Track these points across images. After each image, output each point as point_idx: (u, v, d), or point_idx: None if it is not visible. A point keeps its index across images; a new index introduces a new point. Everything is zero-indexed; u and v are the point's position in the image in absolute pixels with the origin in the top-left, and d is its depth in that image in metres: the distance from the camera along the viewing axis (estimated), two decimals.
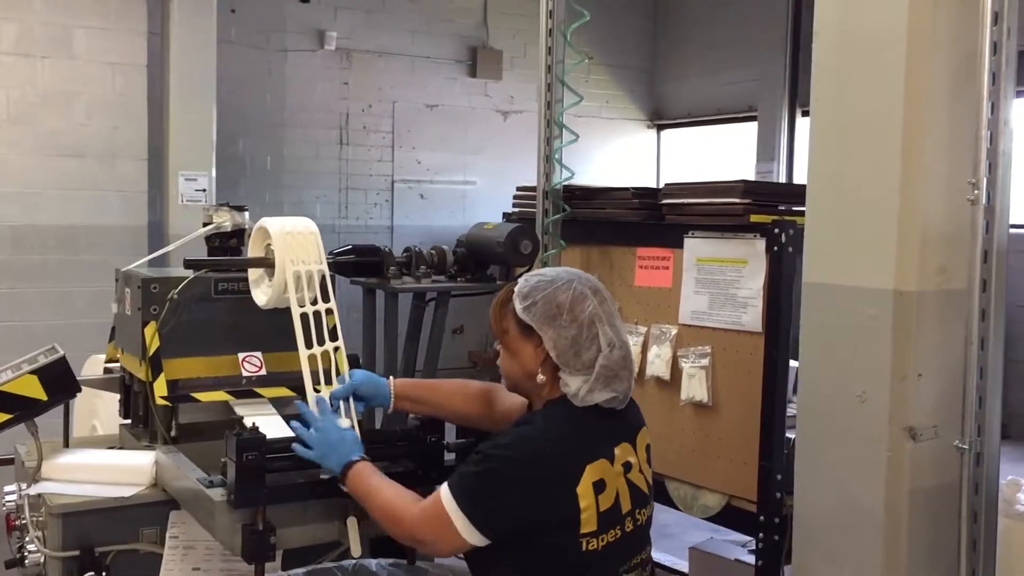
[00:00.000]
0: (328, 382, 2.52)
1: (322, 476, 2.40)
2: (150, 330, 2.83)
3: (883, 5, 2.49)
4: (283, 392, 2.94)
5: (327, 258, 2.64)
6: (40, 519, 2.75)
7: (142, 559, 2.68)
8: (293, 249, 2.57)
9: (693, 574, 3.75)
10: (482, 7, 10.63)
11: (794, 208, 3.09)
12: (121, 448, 3.12)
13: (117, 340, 3.15)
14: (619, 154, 11.36)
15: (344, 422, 2.43)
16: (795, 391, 2.87)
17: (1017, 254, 2.59)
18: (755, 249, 2.95)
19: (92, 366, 3.73)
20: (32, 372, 2.82)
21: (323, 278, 2.57)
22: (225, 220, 3.08)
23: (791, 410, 2.95)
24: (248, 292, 2.93)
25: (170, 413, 2.88)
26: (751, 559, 3.64)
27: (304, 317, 2.52)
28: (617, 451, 2.18)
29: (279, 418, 2.84)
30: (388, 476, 2.37)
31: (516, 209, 3.96)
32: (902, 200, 2.46)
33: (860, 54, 2.57)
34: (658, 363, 3.18)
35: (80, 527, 2.64)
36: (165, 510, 2.72)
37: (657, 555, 2.58)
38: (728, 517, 3.06)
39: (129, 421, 3.16)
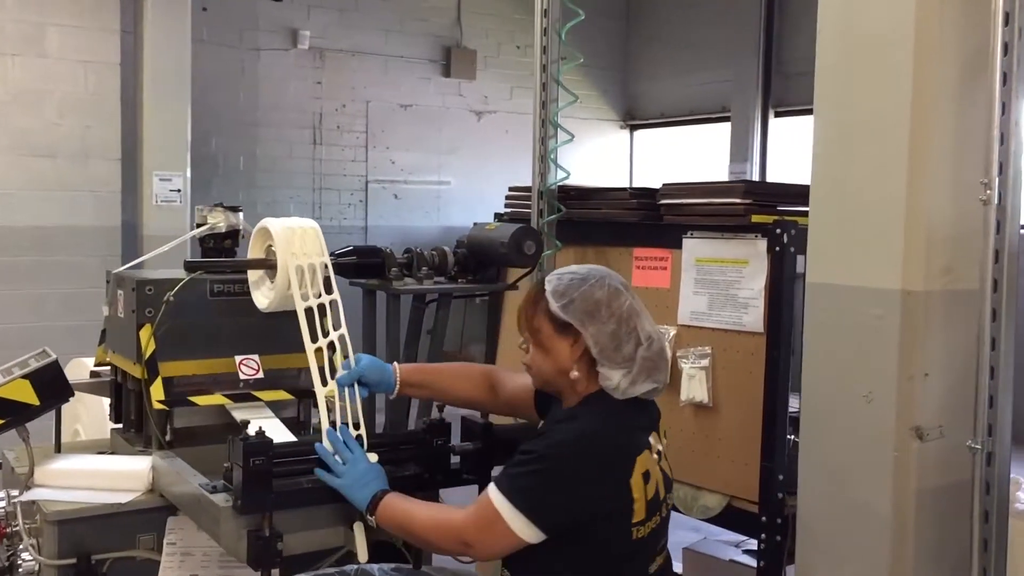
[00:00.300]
0: (332, 374, 2.48)
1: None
2: (145, 333, 2.78)
3: (889, 4, 2.49)
4: (281, 395, 2.91)
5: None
6: (35, 526, 2.69)
7: (139, 566, 2.64)
8: (295, 243, 2.54)
9: (687, 575, 3.74)
10: (455, 7, 10.61)
11: (793, 208, 3.09)
12: (112, 453, 3.06)
13: (108, 343, 3.09)
14: (592, 154, 11.36)
15: (373, 457, 2.39)
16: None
17: None
18: (756, 249, 2.94)
19: (76, 370, 3.67)
20: (24, 376, 2.76)
21: (326, 269, 2.54)
22: (219, 221, 3.03)
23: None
24: (245, 294, 2.89)
25: (164, 417, 2.82)
26: (746, 559, 3.65)
27: (309, 312, 2.48)
28: (651, 440, 2.23)
29: (278, 421, 2.81)
30: (395, 480, 2.38)
31: (508, 209, 3.93)
32: (908, 200, 2.46)
33: (865, 53, 2.57)
34: None
35: (76, 534, 2.59)
36: (162, 516, 2.67)
37: None
38: (728, 518, 3.05)
39: (120, 425, 3.10)
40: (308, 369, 2.99)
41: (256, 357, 2.91)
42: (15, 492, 2.82)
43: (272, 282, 2.65)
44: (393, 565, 2.60)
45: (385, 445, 2.53)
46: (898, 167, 2.47)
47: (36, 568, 2.63)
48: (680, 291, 3.14)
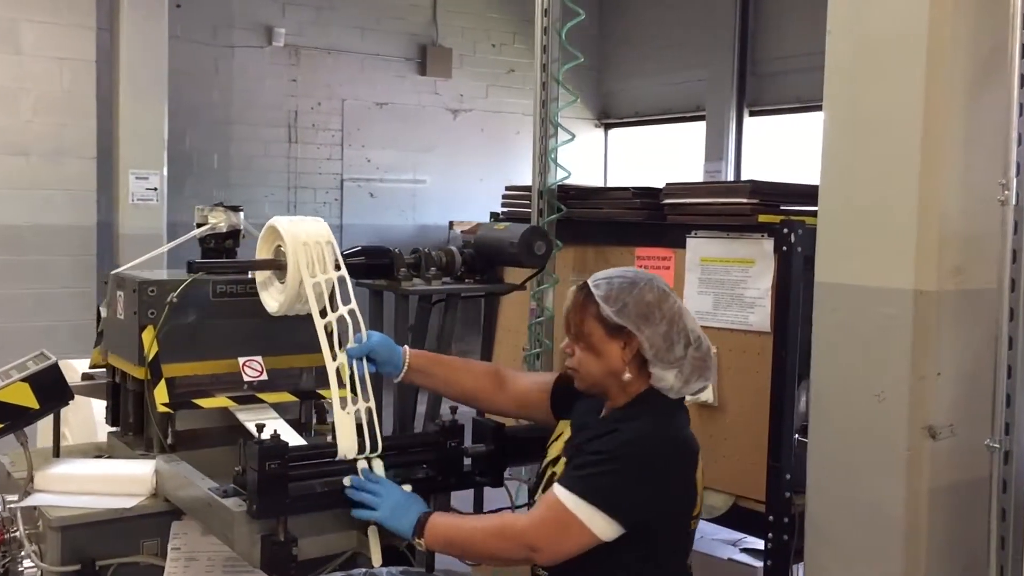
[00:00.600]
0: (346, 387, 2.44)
1: (345, 483, 2.34)
2: (148, 335, 2.73)
3: (902, 5, 2.50)
4: (286, 397, 2.88)
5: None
6: (37, 532, 2.64)
7: (143, 572, 2.60)
8: (309, 262, 2.49)
9: None
10: (431, 5, 10.57)
11: (796, 208, 3.10)
12: (110, 456, 3.01)
13: (106, 345, 3.04)
14: (566, 153, 11.35)
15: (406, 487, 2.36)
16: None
17: None
18: (763, 249, 2.94)
19: (65, 372, 3.60)
20: (23, 380, 2.71)
21: (343, 284, 2.50)
22: (220, 221, 2.98)
23: None
24: (247, 295, 2.85)
25: (166, 420, 2.78)
26: (744, 558, 3.66)
27: (328, 326, 2.44)
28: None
29: (284, 423, 2.77)
30: (408, 483, 2.37)
31: (506, 209, 3.91)
32: (921, 199, 2.47)
33: (877, 54, 2.57)
34: None
35: (80, 540, 2.55)
36: (166, 521, 2.63)
37: None
38: (735, 517, 3.05)
39: (118, 428, 3.05)
40: (310, 370, 3.01)
41: (259, 358, 2.87)
42: (12, 497, 2.77)
43: (281, 283, 2.61)
44: (401, 568, 2.58)
45: (398, 447, 2.50)
46: (910, 166, 2.48)
47: (38, 575, 2.58)
48: (684, 291, 3.14)
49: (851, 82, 2.64)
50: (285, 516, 2.25)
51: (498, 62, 11.05)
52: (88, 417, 3.65)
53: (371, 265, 2.85)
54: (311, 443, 2.48)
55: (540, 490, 2.41)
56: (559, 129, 3.58)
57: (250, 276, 2.84)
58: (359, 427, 2.38)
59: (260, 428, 2.28)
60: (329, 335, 2.45)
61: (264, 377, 2.85)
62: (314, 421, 3.04)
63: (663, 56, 10.87)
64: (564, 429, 2.45)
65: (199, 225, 3.01)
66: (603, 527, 2.12)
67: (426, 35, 10.57)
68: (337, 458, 2.34)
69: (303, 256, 2.50)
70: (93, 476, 2.72)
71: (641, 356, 2.23)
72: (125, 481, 2.69)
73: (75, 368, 3.45)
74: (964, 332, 2.53)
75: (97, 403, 3.35)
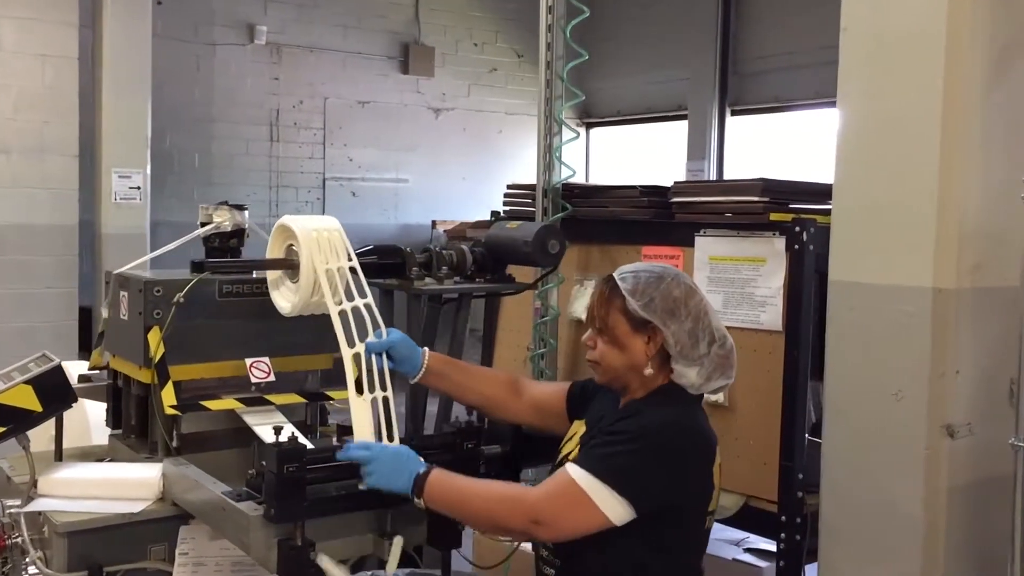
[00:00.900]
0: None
1: (361, 487, 2.30)
2: (154, 336, 2.68)
3: (919, 1, 2.49)
4: (293, 399, 2.83)
5: None
6: (42, 538, 2.58)
7: None
8: (322, 249, 2.46)
9: None
10: (413, 4, 10.53)
11: (805, 206, 3.09)
12: (112, 460, 2.96)
13: (108, 346, 2.98)
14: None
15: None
16: None
17: None
18: (774, 248, 2.93)
19: None
20: (26, 382, 2.65)
21: (355, 274, 2.47)
22: (225, 219, 2.93)
23: None
24: (254, 294, 2.81)
25: (171, 422, 2.73)
26: (749, 558, 3.63)
27: (343, 315, 2.41)
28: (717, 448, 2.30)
29: (292, 426, 2.72)
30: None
31: (508, 208, 3.88)
32: (940, 197, 2.46)
33: (893, 50, 2.56)
34: None
35: (87, 546, 2.49)
36: (174, 525, 2.58)
37: None
38: (746, 518, 3.03)
39: (119, 431, 3.00)
40: (316, 372, 2.98)
41: (267, 360, 2.83)
42: (13, 502, 2.71)
43: (293, 282, 2.56)
44: (408, 571, 2.55)
45: (414, 449, 2.46)
46: (929, 163, 2.47)
47: None
48: None
49: (867, 78, 2.62)
50: (303, 520, 2.21)
51: (480, 61, 11.02)
52: (81, 420, 3.58)
53: (383, 264, 2.82)
54: (327, 445, 2.44)
55: None
56: (563, 127, 3.54)
57: (255, 276, 2.82)
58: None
59: (278, 431, 2.24)
60: (345, 323, 2.41)
61: (271, 378, 2.81)
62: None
63: (645, 55, 10.87)
64: (578, 428, 2.44)
65: (203, 224, 2.96)
66: (615, 508, 2.09)
67: (408, 33, 10.52)
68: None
69: (315, 245, 2.46)
70: (99, 480, 2.67)
71: (664, 351, 2.22)
72: (132, 485, 2.63)
73: (70, 370, 3.39)
74: (982, 330, 2.53)
75: (91, 405, 3.29)
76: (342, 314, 2.43)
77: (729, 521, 3.09)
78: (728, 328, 2.98)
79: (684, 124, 10.63)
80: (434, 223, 10.35)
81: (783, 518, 2.92)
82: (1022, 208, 2.30)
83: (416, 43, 10.53)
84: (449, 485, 2.21)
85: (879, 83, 2.59)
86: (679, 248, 3.21)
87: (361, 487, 2.30)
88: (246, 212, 3.00)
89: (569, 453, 2.36)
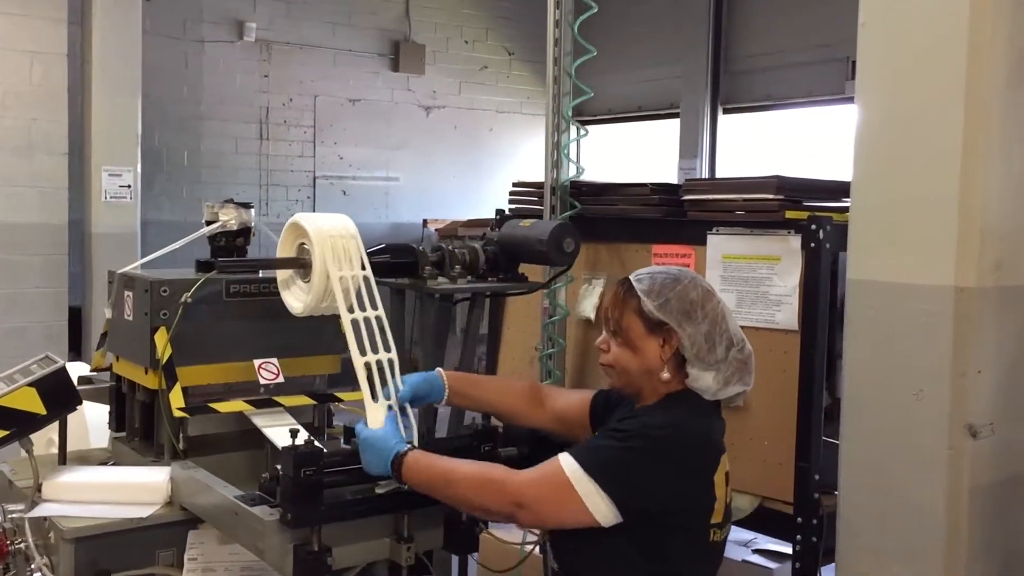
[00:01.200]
0: (383, 384, 2.36)
1: (378, 491, 2.26)
2: (161, 337, 2.63)
3: None
4: (303, 400, 2.79)
5: None
6: (47, 544, 2.53)
7: None
8: (336, 256, 2.40)
9: None
10: (404, 0, 10.45)
11: (819, 204, 3.06)
12: (115, 463, 2.90)
13: (112, 347, 2.92)
14: (539, 151, 11.26)
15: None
16: None
17: None
18: (789, 246, 2.89)
19: None
20: (30, 384, 2.60)
21: (368, 284, 2.41)
22: (231, 218, 2.88)
23: None
24: (261, 294, 2.76)
25: (178, 425, 2.68)
26: (757, 559, 3.61)
27: (355, 323, 2.36)
28: (724, 458, 2.21)
29: (302, 429, 2.67)
30: None
31: (513, 206, 3.83)
32: (962, 194, 2.43)
33: (914, 46, 2.53)
34: None
35: (94, 552, 2.45)
36: (183, 530, 2.54)
37: None
38: (761, 519, 3.00)
39: (122, 434, 2.94)
40: (324, 376, 2.93)
41: (275, 361, 2.78)
42: (16, 507, 2.65)
43: (304, 282, 2.51)
44: None
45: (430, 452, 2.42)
46: (951, 160, 2.44)
47: None
48: None
49: (886, 74, 2.60)
50: (320, 525, 2.16)
51: (471, 59, 10.97)
52: (80, 422, 3.53)
53: (395, 263, 2.77)
54: (343, 449, 2.39)
55: None
56: (571, 124, 3.50)
57: (261, 275, 2.77)
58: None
59: (295, 434, 2.19)
60: (357, 332, 2.36)
61: (280, 380, 2.77)
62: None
63: (637, 53, 10.83)
64: None
65: (209, 223, 2.90)
66: (599, 506, 2.02)
67: (399, 31, 10.46)
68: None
69: (330, 252, 2.41)
70: (105, 484, 2.62)
71: (680, 355, 2.16)
72: (139, 489, 2.59)
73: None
74: (1004, 329, 2.50)
75: (90, 407, 3.24)
76: (354, 323, 2.37)
77: (744, 523, 3.05)
78: (741, 327, 2.96)
79: (676, 122, 10.61)
80: (425, 222, 10.30)
81: (799, 519, 2.89)
82: None
83: (406, 40, 10.47)
84: (428, 464, 2.17)
85: (899, 79, 2.56)
86: (690, 246, 3.18)
87: (378, 491, 2.26)
88: (252, 210, 2.94)
89: None
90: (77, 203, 7.20)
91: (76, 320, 7.19)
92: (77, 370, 3.28)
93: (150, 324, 2.65)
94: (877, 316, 2.60)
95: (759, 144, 10.16)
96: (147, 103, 7.68)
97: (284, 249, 2.55)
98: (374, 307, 2.39)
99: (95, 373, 3.16)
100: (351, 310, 2.38)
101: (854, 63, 8.89)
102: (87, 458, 2.99)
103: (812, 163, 9.11)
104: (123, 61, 7.18)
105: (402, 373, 2.40)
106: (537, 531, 2.31)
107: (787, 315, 2.91)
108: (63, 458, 2.83)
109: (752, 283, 2.98)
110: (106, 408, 3.06)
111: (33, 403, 2.59)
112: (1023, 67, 2.44)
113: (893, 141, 2.58)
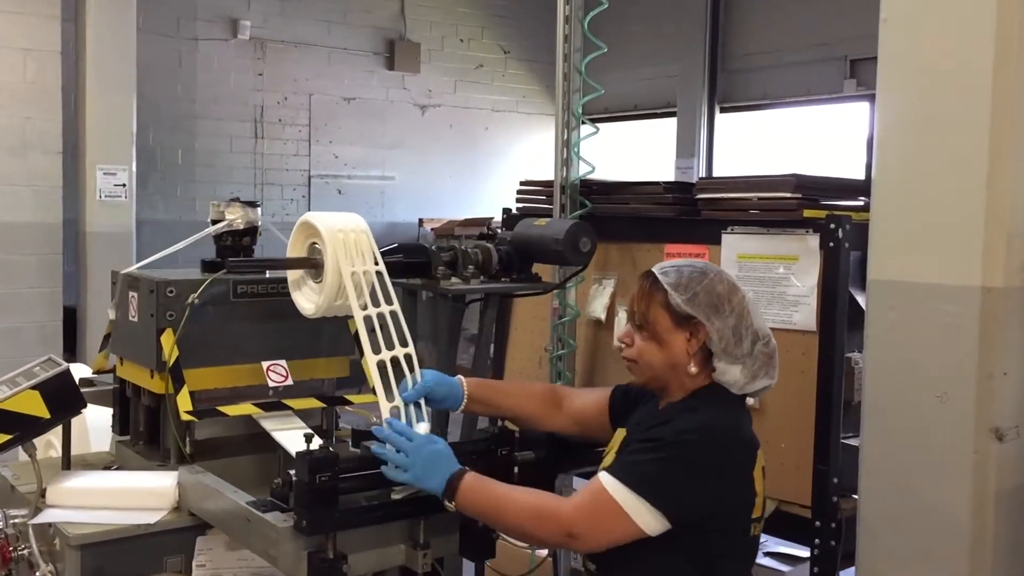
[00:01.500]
0: (399, 383, 2.30)
1: (394, 496, 2.21)
2: (168, 339, 2.57)
3: None
4: (312, 403, 2.73)
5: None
6: (52, 551, 2.47)
7: None
8: (348, 251, 2.35)
9: None
10: None
11: (836, 203, 3.01)
12: (119, 468, 2.84)
13: (115, 349, 2.86)
14: (535, 149, 11.26)
15: (422, 427, 2.23)
16: None
17: None
18: (807, 245, 2.85)
19: None
20: (33, 387, 2.53)
21: (382, 279, 2.36)
22: (237, 217, 2.81)
23: None
24: (269, 295, 2.70)
25: (184, 428, 2.62)
26: (768, 562, 3.57)
27: (368, 320, 2.31)
28: (760, 453, 2.20)
29: (312, 433, 2.62)
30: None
31: (521, 205, 3.77)
32: (989, 193, 2.38)
33: (939, 41, 2.48)
34: None
35: (101, 558, 2.39)
36: (191, 536, 2.48)
37: None
38: (778, 523, 2.94)
39: (126, 438, 2.88)
40: (332, 380, 2.87)
41: (283, 363, 2.72)
42: (18, 512, 2.59)
43: (315, 282, 2.46)
44: None
45: None
46: (978, 158, 2.39)
47: None
48: None
49: (910, 72, 2.54)
50: (335, 532, 2.10)
51: (467, 57, 10.92)
52: (80, 425, 3.46)
53: (408, 263, 2.71)
54: (359, 454, 2.33)
55: None
56: (581, 122, 3.44)
57: (268, 275, 2.71)
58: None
59: (309, 439, 2.13)
60: (370, 328, 2.31)
61: (289, 382, 2.71)
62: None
63: (633, 52, 10.79)
64: (620, 436, 2.35)
65: (214, 221, 2.84)
66: (648, 520, 2.02)
67: (394, 29, 10.40)
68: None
69: (341, 247, 2.35)
70: (111, 489, 2.56)
71: (706, 349, 2.14)
72: (146, 494, 2.52)
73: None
74: None
75: (91, 409, 3.17)
76: (367, 319, 2.32)
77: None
78: None
79: (672, 121, 10.57)
80: (421, 221, 10.25)
81: (817, 523, 2.84)
82: None
83: (402, 39, 10.41)
84: (483, 493, 2.13)
85: (923, 76, 2.51)
86: (704, 246, 3.13)
87: (395, 496, 2.20)
88: (259, 209, 2.88)
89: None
90: (72, 202, 7.13)
91: (71, 320, 7.12)
92: (78, 372, 3.22)
93: (156, 326, 2.58)
94: (899, 317, 2.55)
95: (757, 143, 10.13)
96: (141, 102, 7.62)
97: (294, 249, 2.50)
98: (389, 302, 2.34)
99: (97, 375, 3.10)
100: (364, 307, 2.32)
101: (852, 62, 8.86)
102: (90, 462, 2.93)
103: (812, 163, 9.09)
104: (118, 59, 7.11)
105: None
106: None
107: (805, 315, 2.86)
108: (67, 462, 2.76)
109: (768, 283, 2.93)
110: (107, 411, 3.00)
111: (36, 407, 2.53)
112: None
113: (916, 139, 2.52)
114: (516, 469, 2.42)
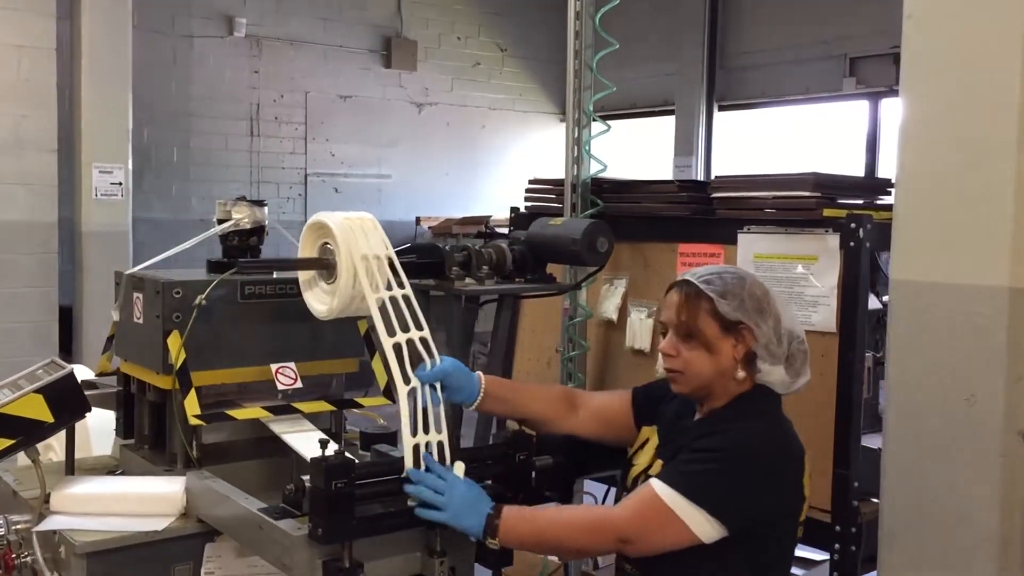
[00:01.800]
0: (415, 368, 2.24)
1: (410, 503, 2.15)
2: (175, 340, 2.50)
3: None
4: (322, 407, 2.68)
5: None
6: (56, 558, 2.40)
7: None
8: (357, 237, 2.30)
9: None
10: None
11: (852, 202, 2.96)
12: (123, 473, 2.78)
13: (119, 351, 2.80)
14: (532, 148, 11.22)
15: (459, 468, 2.17)
16: None
17: None
18: (827, 245, 2.79)
19: None
20: (37, 391, 2.46)
21: (393, 265, 2.30)
22: (244, 216, 2.75)
23: None
24: (277, 296, 2.64)
25: (191, 432, 2.56)
26: None
27: (381, 304, 2.24)
28: (806, 458, 2.24)
29: (320, 435, 2.56)
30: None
31: (530, 204, 3.71)
32: (1017, 192, 2.33)
33: (965, 37, 2.43)
34: None
35: (108, 566, 2.32)
36: (199, 543, 2.42)
37: None
38: None
39: (131, 442, 2.82)
40: (340, 376, 2.81)
41: (293, 365, 2.66)
42: (21, 518, 2.52)
43: (327, 283, 2.40)
44: None
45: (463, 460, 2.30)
46: (1006, 155, 2.34)
47: None
48: None
49: (935, 68, 2.49)
50: (352, 540, 2.04)
51: (464, 55, 10.86)
52: (82, 428, 3.39)
53: (421, 264, 2.65)
54: (375, 460, 2.27)
55: None
56: (592, 119, 3.39)
57: (275, 275, 2.65)
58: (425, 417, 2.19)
59: (324, 444, 2.07)
60: (384, 314, 2.24)
61: (299, 385, 2.65)
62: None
63: (631, 50, 10.71)
64: (650, 436, 2.35)
65: (220, 221, 2.78)
66: (705, 528, 2.04)
67: (390, 27, 10.33)
68: (404, 473, 2.14)
69: (351, 233, 2.30)
70: (117, 495, 2.49)
71: (750, 353, 2.17)
72: (154, 500, 2.46)
73: None
74: None
75: (91, 412, 3.11)
76: (382, 308, 2.25)
77: None
78: None
79: (670, 119, 10.53)
80: (418, 220, 10.18)
81: (837, 528, 2.78)
82: None
83: (398, 36, 10.35)
84: (526, 521, 2.13)
85: (949, 72, 2.45)
86: (719, 246, 3.07)
87: (411, 502, 2.14)
88: (266, 208, 2.82)
89: (649, 465, 2.27)
90: (67, 201, 7.07)
91: (66, 320, 7.04)
92: (79, 374, 3.15)
93: (162, 328, 2.52)
94: (924, 318, 2.50)
95: (756, 141, 10.10)
96: (135, 99, 7.54)
97: (305, 250, 2.44)
98: (401, 286, 2.28)
99: (99, 378, 3.04)
100: (376, 289, 2.27)
101: (852, 60, 8.80)
102: (94, 467, 2.86)
103: (811, 162, 9.05)
104: (113, 56, 7.05)
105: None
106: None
107: (824, 316, 2.81)
108: (71, 467, 2.70)
109: (786, 283, 2.88)
110: (108, 413, 2.94)
111: (40, 410, 2.46)
112: None
113: (942, 136, 2.47)
114: (533, 474, 2.37)
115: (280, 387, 2.63)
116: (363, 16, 10.11)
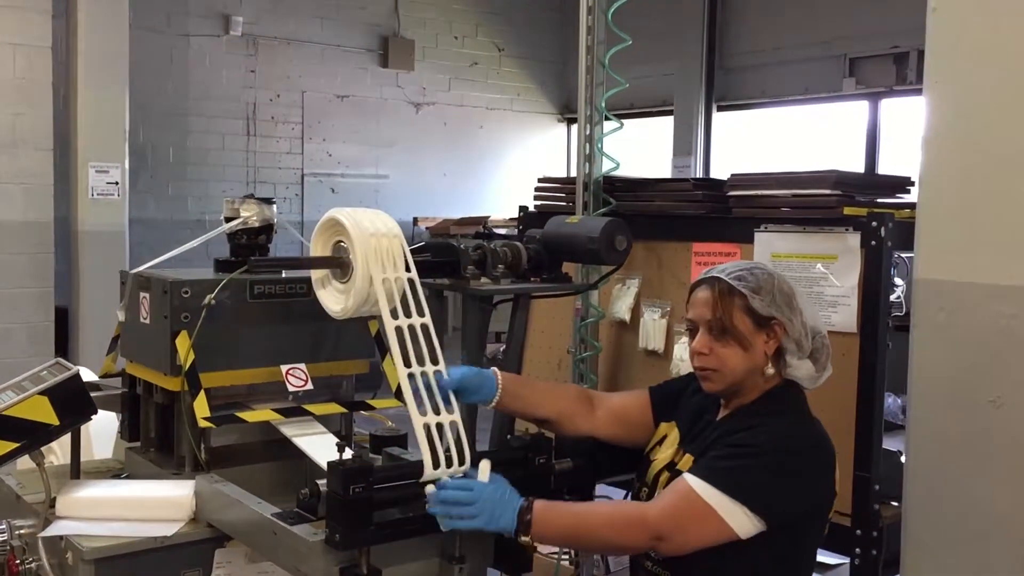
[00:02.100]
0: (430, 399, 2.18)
1: (429, 508, 2.09)
2: (183, 341, 2.44)
3: None
4: (333, 408, 2.62)
5: None
6: (63, 564, 2.34)
7: None
8: (379, 258, 2.22)
9: None
10: None
11: (871, 199, 2.91)
12: (129, 476, 2.72)
13: (125, 352, 2.74)
14: (529, 148, 11.18)
15: (483, 467, 2.12)
16: None
17: None
18: (847, 244, 2.74)
19: None
20: (42, 393, 2.40)
21: (414, 287, 2.24)
22: (252, 214, 2.69)
23: None
24: (286, 296, 2.59)
25: (199, 435, 2.50)
26: None
27: (399, 332, 2.17)
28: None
29: (332, 437, 2.51)
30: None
31: (539, 203, 3.66)
32: None
33: (992, 32, 2.38)
34: None
35: (115, 572, 2.27)
36: (209, 548, 2.37)
37: None
38: None
39: (137, 444, 2.76)
40: (350, 378, 2.76)
41: (303, 366, 2.61)
42: (25, 523, 2.46)
43: (340, 282, 2.33)
44: None
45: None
46: None
47: None
48: None
49: (961, 64, 2.44)
50: (370, 546, 1.99)
51: (461, 55, 10.81)
52: (84, 431, 3.33)
53: (436, 263, 2.60)
54: (393, 464, 2.21)
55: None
56: (605, 117, 3.34)
57: (284, 275, 2.60)
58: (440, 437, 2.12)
59: (341, 448, 2.02)
60: (401, 341, 2.18)
61: (309, 386, 2.60)
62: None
63: (629, 49, 10.67)
64: (668, 431, 2.33)
65: (228, 219, 2.72)
66: (743, 523, 2.03)
67: (388, 26, 10.28)
68: (423, 479, 2.08)
69: (373, 254, 2.23)
70: (125, 500, 2.43)
71: (780, 348, 2.18)
72: (162, 505, 2.40)
73: None
74: None
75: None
76: (398, 331, 2.19)
77: None
78: None
79: (666, 120, 10.49)
80: (416, 220, 10.12)
81: (858, 531, 2.74)
82: None
83: (395, 36, 10.29)
84: (559, 516, 2.09)
85: (975, 68, 2.41)
86: (736, 245, 3.02)
87: (429, 508, 2.09)
88: (274, 206, 2.76)
89: (673, 460, 2.25)
90: (63, 200, 6.99)
91: (62, 320, 6.97)
92: (84, 376, 3.10)
93: (171, 328, 2.46)
94: (949, 318, 2.46)
95: (755, 141, 10.07)
96: (131, 98, 7.46)
97: (318, 246, 2.37)
98: (420, 313, 2.21)
99: (103, 379, 2.98)
100: (395, 312, 2.20)
101: (851, 60, 8.77)
102: (98, 470, 2.80)
103: (811, 162, 9.02)
104: (109, 55, 6.98)
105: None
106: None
107: (845, 316, 2.76)
108: (76, 471, 2.64)
109: (805, 283, 2.82)
110: (111, 415, 2.88)
111: (45, 413, 2.40)
112: None
113: (968, 133, 2.43)
114: (552, 478, 2.31)
115: (291, 389, 2.58)
116: (360, 15, 10.06)
